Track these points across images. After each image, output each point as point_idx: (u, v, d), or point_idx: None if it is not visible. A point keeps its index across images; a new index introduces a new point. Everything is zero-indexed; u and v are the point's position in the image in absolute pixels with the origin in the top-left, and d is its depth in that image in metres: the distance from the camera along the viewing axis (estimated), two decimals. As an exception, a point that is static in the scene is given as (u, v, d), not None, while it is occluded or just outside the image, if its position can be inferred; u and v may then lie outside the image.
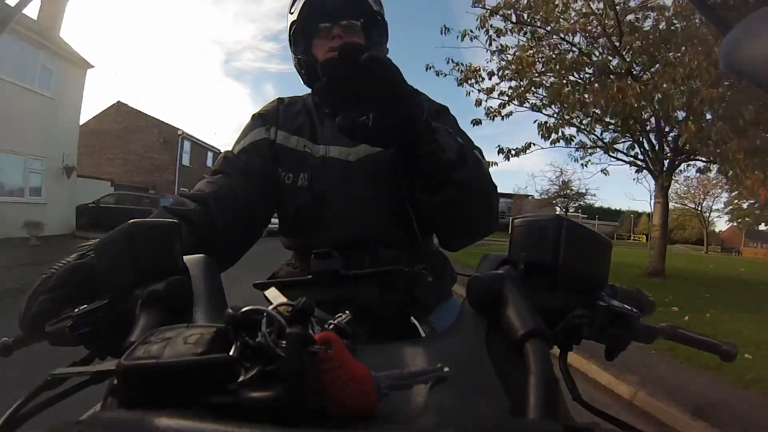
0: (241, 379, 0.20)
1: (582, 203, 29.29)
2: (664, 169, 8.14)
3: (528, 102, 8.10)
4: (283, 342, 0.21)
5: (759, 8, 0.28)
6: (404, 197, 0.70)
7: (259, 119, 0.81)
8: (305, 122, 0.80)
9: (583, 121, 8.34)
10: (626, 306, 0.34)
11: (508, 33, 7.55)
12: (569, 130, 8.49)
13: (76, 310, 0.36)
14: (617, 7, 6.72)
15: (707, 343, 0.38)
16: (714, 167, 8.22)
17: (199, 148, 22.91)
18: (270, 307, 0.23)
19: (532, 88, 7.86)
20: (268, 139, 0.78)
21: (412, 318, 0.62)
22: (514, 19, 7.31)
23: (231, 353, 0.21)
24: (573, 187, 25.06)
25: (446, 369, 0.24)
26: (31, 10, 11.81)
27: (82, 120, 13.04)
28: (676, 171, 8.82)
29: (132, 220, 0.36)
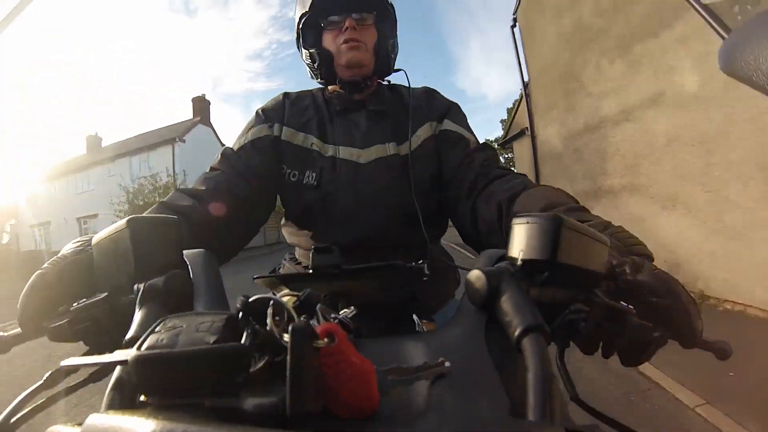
0: (251, 370, 0.20)
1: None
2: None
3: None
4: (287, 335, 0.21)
5: (758, 12, 0.28)
6: (413, 200, 0.71)
7: (263, 116, 0.80)
8: (313, 119, 0.79)
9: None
10: (622, 302, 0.35)
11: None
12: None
13: (75, 305, 0.36)
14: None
15: (703, 341, 0.39)
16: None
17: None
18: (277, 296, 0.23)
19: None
20: (270, 136, 0.77)
21: (414, 316, 0.62)
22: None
23: (243, 342, 0.21)
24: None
25: (447, 364, 0.24)
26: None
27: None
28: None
29: (131, 215, 0.36)
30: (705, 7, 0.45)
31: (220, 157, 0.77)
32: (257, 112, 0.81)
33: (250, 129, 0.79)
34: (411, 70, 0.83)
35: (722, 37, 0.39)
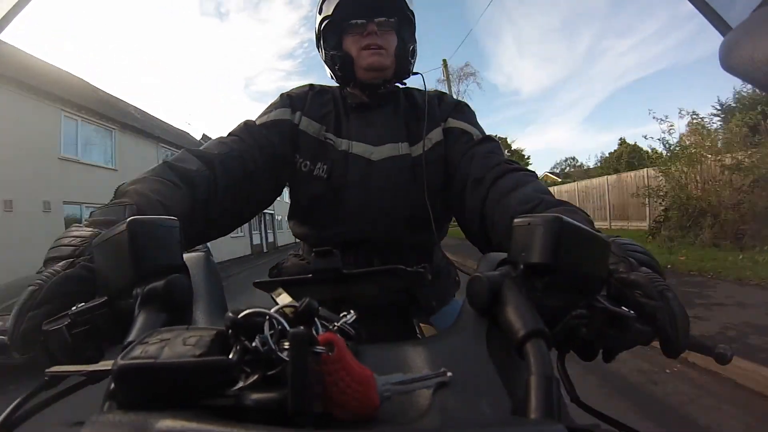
0: (240, 384, 0.20)
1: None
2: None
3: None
4: (286, 344, 0.20)
5: (758, 10, 0.28)
6: (423, 201, 0.71)
7: (287, 100, 0.81)
8: (331, 112, 0.80)
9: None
10: (623, 307, 0.34)
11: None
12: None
13: (74, 309, 0.35)
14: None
15: (702, 345, 0.38)
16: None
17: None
18: (273, 309, 0.23)
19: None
20: (290, 122, 0.78)
21: (414, 319, 0.62)
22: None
23: (231, 357, 0.21)
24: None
25: (449, 374, 0.24)
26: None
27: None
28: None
29: (131, 218, 0.36)
30: (705, 4, 0.44)
31: (241, 126, 0.77)
32: (282, 96, 0.82)
33: (273, 110, 0.79)
34: (438, 67, 0.84)
35: (722, 35, 0.39)
